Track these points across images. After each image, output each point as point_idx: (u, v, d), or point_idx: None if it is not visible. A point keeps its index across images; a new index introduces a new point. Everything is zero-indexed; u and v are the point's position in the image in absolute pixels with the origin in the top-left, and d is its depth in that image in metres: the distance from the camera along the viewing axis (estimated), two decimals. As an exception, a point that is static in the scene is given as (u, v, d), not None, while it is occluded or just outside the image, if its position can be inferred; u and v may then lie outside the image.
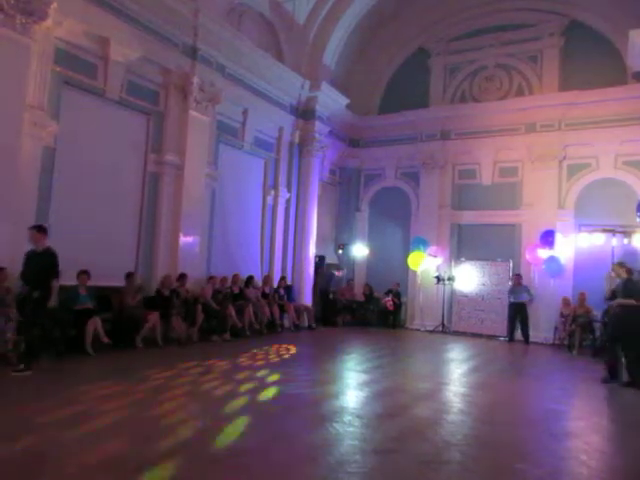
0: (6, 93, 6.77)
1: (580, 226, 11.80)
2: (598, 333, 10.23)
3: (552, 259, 11.68)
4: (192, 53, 9.49)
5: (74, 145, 7.90)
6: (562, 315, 10.97)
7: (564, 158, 12.17)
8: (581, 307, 10.48)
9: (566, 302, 10.99)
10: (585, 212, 11.80)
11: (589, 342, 10.32)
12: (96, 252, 8.06)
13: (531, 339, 11.61)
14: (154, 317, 8.02)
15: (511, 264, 12.62)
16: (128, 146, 8.83)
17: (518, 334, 11.77)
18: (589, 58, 12.13)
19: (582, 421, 5.14)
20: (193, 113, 9.50)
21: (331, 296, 13.67)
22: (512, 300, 11.82)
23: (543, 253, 11.77)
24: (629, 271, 7.14)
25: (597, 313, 10.36)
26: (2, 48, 6.71)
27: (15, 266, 6.81)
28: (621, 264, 7.36)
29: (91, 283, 7.58)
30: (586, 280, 11.26)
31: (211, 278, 9.78)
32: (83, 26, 7.77)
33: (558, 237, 11.70)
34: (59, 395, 4.91)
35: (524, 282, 11.96)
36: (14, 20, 6.74)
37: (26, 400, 4.68)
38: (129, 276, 8.30)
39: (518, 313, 11.75)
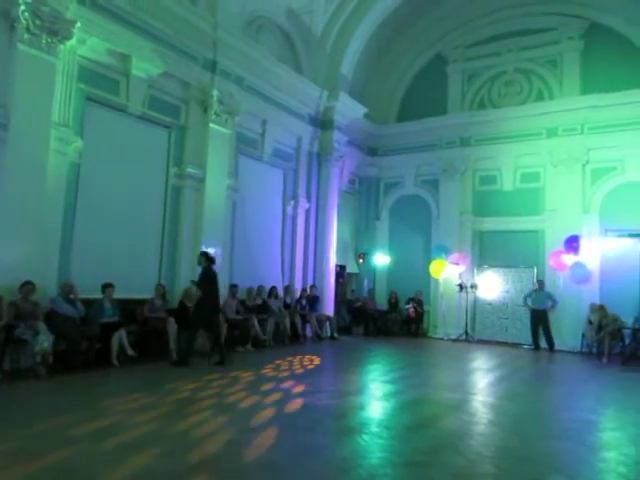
0: (34, 111, 6.95)
1: (606, 231, 11.55)
2: (628, 340, 9.94)
3: (578, 265, 11.41)
4: (211, 67, 9.61)
5: (98, 160, 8.03)
6: (590, 322, 10.69)
7: (587, 162, 11.94)
8: (604, 318, 10.19)
9: (594, 309, 10.70)
10: (611, 216, 11.52)
11: (619, 349, 10.04)
12: (120, 265, 8.18)
13: (556, 347, 11.36)
14: (170, 326, 8.04)
15: (535, 271, 12.40)
16: (150, 160, 8.96)
17: (543, 342, 11.54)
18: (611, 60, 11.92)
19: (618, 432, 4.97)
20: (213, 126, 9.60)
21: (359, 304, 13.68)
22: (531, 306, 11.64)
23: (568, 259, 11.53)
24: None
25: (626, 320, 10.08)
26: (29, 67, 6.90)
27: (43, 280, 6.96)
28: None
29: (115, 296, 7.67)
30: (613, 286, 10.99)
31: (233, 287, 9.83)
32: (105, 44, 7.94)
33: (583, 243, 11.46)
34: (87, 408, 4.94)
35: (547, 288, 11.73)
36: (40, 40, 6.92)
37: (54, 413, 4.72)
38: (157, 287, 8.52)
39: (539, 320, 11.54)
